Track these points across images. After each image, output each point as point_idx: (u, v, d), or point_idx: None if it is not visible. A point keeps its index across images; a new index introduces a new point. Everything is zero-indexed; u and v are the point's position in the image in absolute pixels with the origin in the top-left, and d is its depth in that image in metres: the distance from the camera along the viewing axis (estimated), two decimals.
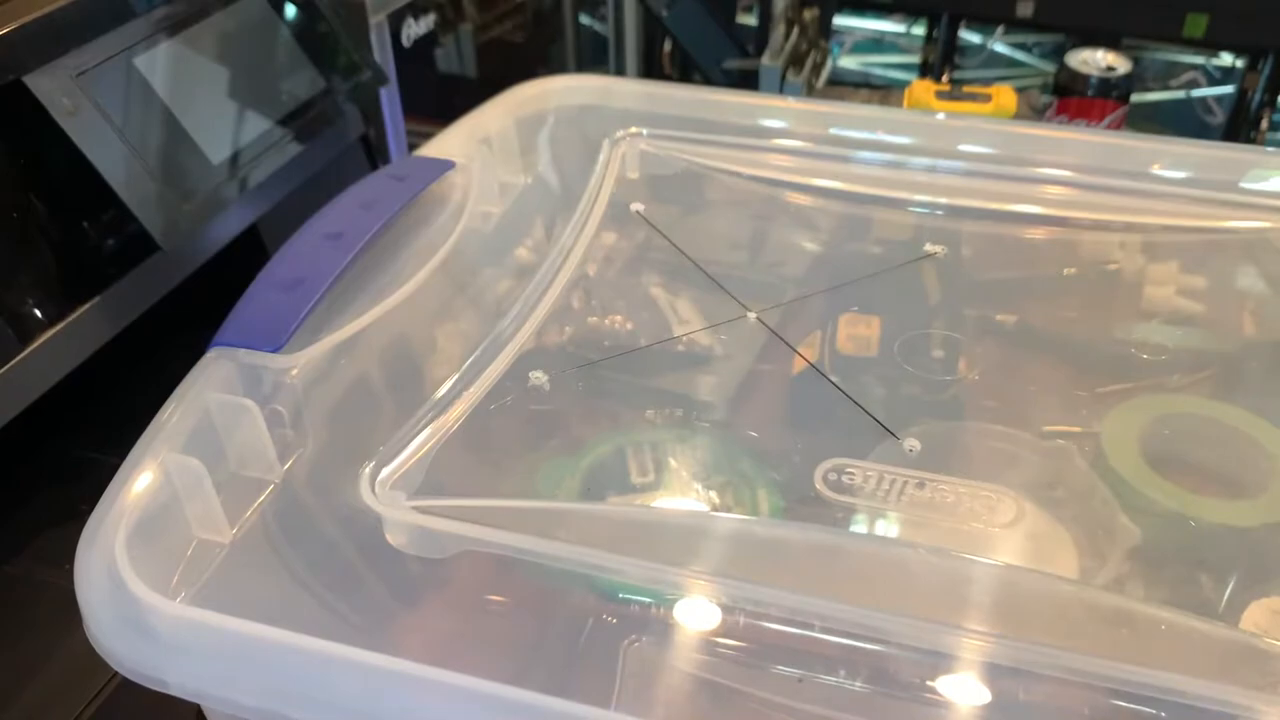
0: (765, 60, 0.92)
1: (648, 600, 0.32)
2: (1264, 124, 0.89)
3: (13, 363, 0.44)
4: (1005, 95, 0.77)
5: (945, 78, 1.02)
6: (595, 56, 1.06)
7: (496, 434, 0.39)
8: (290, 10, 0.58)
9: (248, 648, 0.29)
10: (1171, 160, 0.50)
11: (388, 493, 0.34)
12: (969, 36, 1.10)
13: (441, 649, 0.31)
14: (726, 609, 0.31)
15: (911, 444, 0.38)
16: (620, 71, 1.02)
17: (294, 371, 0.38)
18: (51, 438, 0.51)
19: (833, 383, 0.41)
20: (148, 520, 0.32)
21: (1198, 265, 0.48)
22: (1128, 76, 0.88)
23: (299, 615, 0.32)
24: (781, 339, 0.44)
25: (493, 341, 0.41)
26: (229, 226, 0.55)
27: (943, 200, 0.51)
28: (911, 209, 0.52)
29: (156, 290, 0.51)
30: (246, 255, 0.56)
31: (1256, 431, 0.39)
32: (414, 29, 0.80)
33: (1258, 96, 0.87)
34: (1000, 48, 1.10)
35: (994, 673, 0.29)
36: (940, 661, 0.30)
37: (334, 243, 0.42)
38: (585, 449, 0.40)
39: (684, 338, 0.45)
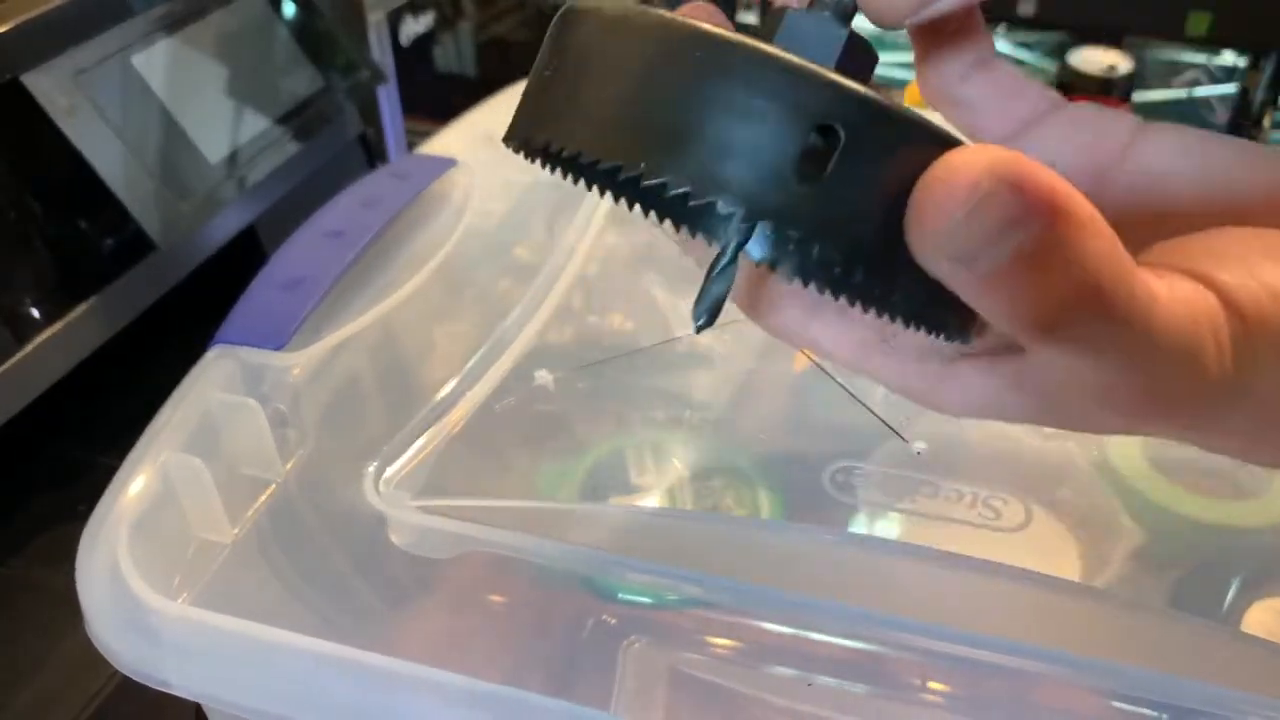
0: None
1: (648, 601, 0.32)
2: (1266, 123, 0.89)
3: (10, 363, 0.43)
4: None
5: None
6: None
7: (499, 434, 0.39)
8: (288, 9, 0.58)
9: (250, 648, 0.29)
10: None
11: (391, 492, 0.34)
12: None
13: (443, 649, 0.31)
14: (728, 610, 0.31)
15: (919, 445, 0.38)
16: None
17: (296, 370, 0.37)
18: (49, 438, 0.51)
19: (838, 383, 0.41)
20: (149, 520, 0.32)
21: None
22: (1130, 75, 0.88)
23: (301, 615, 0.32)
24: None
25: (495, 341, 0.41)
26: (227, 226, 0.54)
27: None
28: None
29: (154, 290, 0.51)
30: (244, 255, 0.56)
31: None
32: (413, 27, 0.79)
33: (1259, 95, 0.87)
34: (1002, 46, 1.10)
35: (997, 675, 0.29)
36: (944, 664, 0.29)
37: (336, 240, 0.42)
38: (587, 449, 0.39)
39: (685, 338, 0.45)
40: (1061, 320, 0.17)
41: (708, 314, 0.20)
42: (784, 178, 0.18)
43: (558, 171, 0.20)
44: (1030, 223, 0.17)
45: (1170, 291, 0.18)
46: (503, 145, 0.21)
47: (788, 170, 0.18)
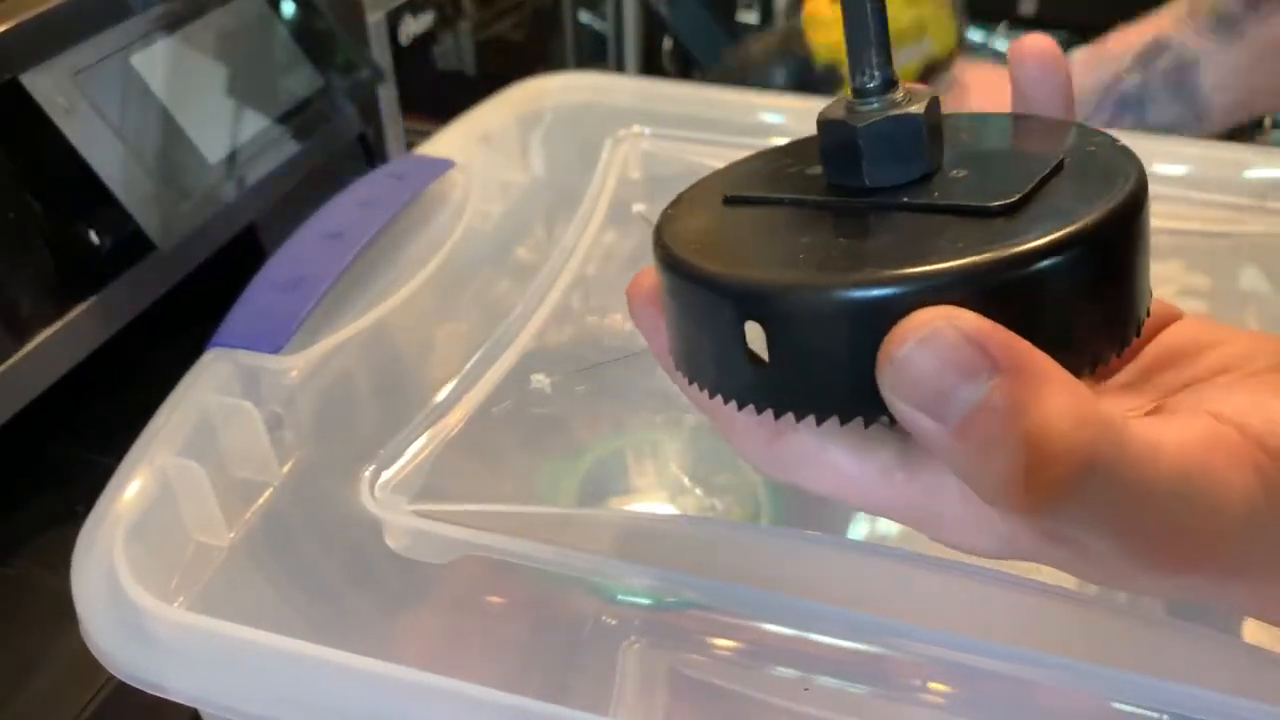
0: None
1: (646, 603, 0.32)
2: (1266, 123, 0.89)
3: (8, 363, 0.43)
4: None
5: None
6: (595, 54, 1.05)
7: (497, 437, 0.39)
8: (288, 8, 0.58)
9: (246, 653, 0.29)
10: (1173, 160, 0.49)
11: (388, 496, 0.34)
12: (971, 34, 1.10)
13: (440, 653, 0.31)
14: (725, 613, 0.31)
15: None
16: (620, 70, 1.01)
17: (293, 373, 0.37)
18: (48, 439, 0.51)
19: None
20: (145, 523, 0.32)
21: (1201, 266, 0.48)
22: None
23: (297, 619, 0.32)
24: None
25: (494, 343, 0.41)
26: (226, 226, 0.54)
27: None
28: None
29: (153, 290, 0.51)
30: (244, 255, 0.56)
31: None
32: (412, 26, 0.79)
33: None
34: (1002, 46, 1.10)
35: (995, 680, 0.29)
36: (941, 668, 0.29)
37: (334, 242, 0.41)
38: (586, 451, 0.39)
39: None
40: (1050, 488, 0.17)
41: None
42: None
43: None
44: (991, 374, 0.17)
45: (1180, 433, 0.18)
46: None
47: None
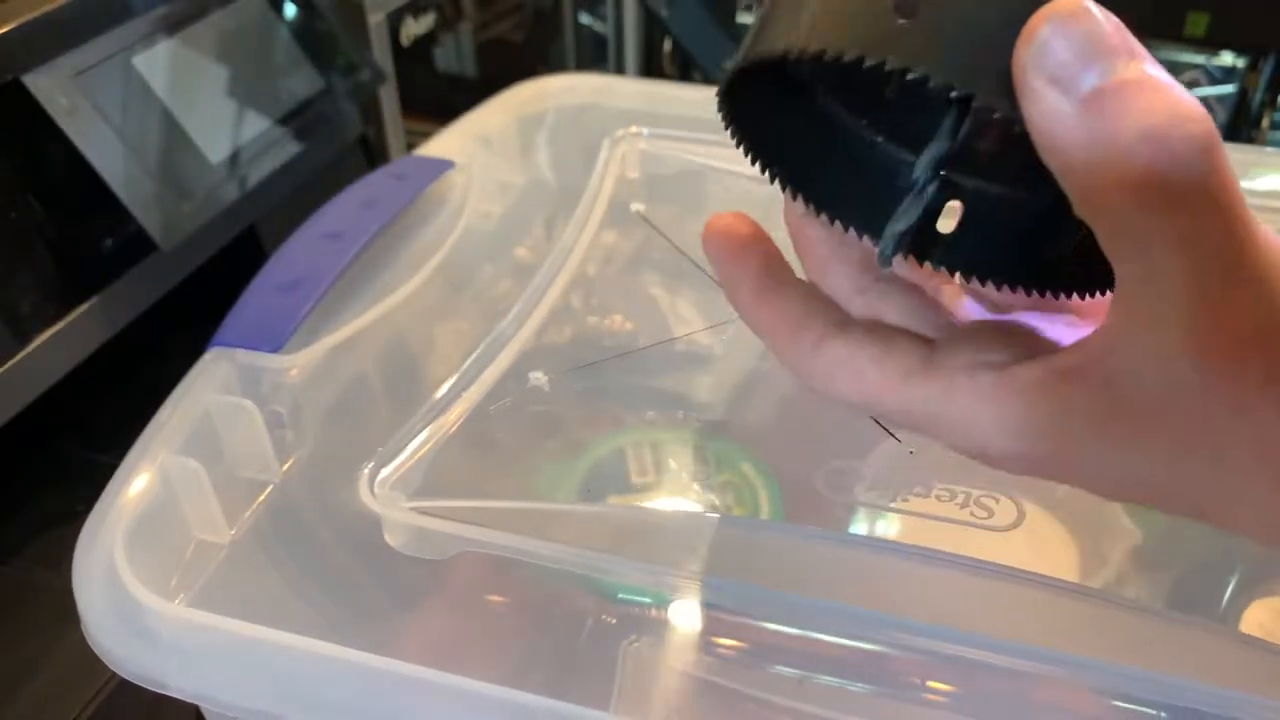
0: None
1: (647, 601, 0.32)
2: (1264, 123, 0.89)
3: (10, 363, 0.44)
4: None
5: None
6: (595, 56, 1.05)
7: (496, 435, 0.39)
8: (289, 9, 0.58)
9: (247, 650, 0.29)
10: None
11: (387, 493, 0.34)
12: None
13: (440, 650, 0.31)
14: (726, 610, 0.31)
15: (912, 445, 0.38)
16: (620, 71, 1.02)
17: (293, 372, 0.38)
18: (49, 438, 0.51)
19: None
20: (146, 521, 0.32)
21: None
22: None
23: (298, 616, 0.32)
24: None
25: (492, 341, 0.41)
26: (227, 226, 0.55)
27: None
28: None
29: (155, 290, 0.51)
30: (245, 255, 0.56)
31: None
32: (413, 28, 0.80)
33: (1258, 96, 0.87)
34: None
35: (995, 675, 0.29)
36: (940, 664, 0.29)
37: (333, 242, 0.42)
38: (585, 450, 0.39)
39: (684, 338, 0.45)
40: (1185, 143, 0.17)
41: (893, 245, 0.22)
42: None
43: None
44: (1128, 56, 0.18)
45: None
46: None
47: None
